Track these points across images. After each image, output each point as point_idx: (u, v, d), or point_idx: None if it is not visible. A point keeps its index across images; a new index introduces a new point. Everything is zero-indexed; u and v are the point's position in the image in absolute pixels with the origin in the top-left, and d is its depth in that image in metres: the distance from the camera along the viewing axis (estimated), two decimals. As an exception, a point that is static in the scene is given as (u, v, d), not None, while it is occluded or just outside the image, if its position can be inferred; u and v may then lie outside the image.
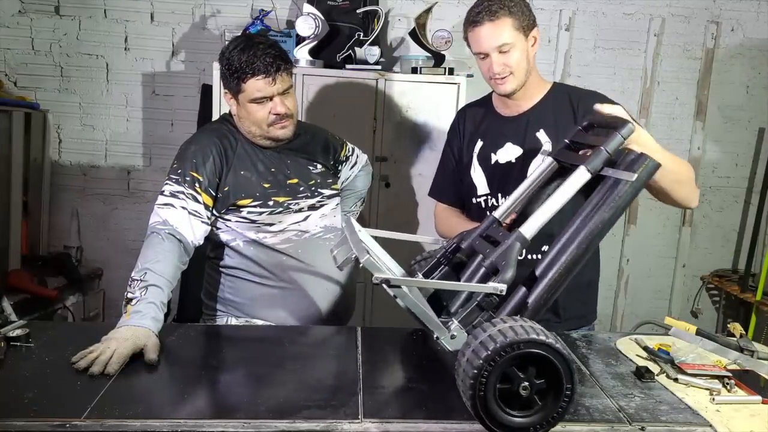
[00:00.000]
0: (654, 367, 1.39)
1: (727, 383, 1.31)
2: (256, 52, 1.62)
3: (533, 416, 1.05)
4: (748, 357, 1.43)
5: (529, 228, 1.23)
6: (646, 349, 1.49)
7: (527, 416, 1.05)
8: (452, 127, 1.91)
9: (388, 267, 1.37)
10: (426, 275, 1.38)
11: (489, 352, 1.00)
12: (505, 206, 1.41)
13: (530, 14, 1.65)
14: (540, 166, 1.41)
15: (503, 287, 1.15)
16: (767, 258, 3.10)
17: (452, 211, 1.90)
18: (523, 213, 1.43)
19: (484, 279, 1.25)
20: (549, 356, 1.02)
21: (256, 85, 1.63)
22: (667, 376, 1.35)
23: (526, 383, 1.04)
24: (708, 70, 3.30)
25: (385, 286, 1.12)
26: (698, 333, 1.52)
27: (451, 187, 1.89)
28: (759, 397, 1.26)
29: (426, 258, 1.46)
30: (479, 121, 1.82)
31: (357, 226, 1.42)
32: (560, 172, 1.40)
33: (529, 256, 1.70)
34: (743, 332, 1.52)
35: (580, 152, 1.37)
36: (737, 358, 1.44)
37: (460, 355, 1.07)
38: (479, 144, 1.78)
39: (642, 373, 1.35)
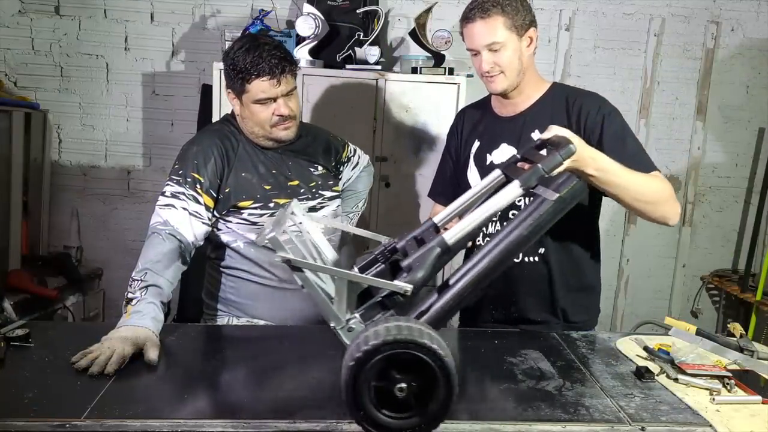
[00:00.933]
0: (654, 367, 1.39)
1: (727, 383, 1.31)
2: (262, 53, 1.62)
3: (409, 419, 1.01)
4: (748, 357, 1.43)
5: (452, 234, 1.20)
6: (646, 349, 1.49)
7: (403, 419, 1.01)
8: (451, 128, 1.91)
9: (323, 255, 1.38)
10: (362, 270, 1.36)
11: (368, 347, 0.97)
12: (445, 212, 1.39)
13: (527, 14, 1.63)
14: (488, 176, 1.39)
15: (408, 287, 1.12)
16: (767, 258, 3.10)
17: None
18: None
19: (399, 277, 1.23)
20: (427, 359, 0.98)
21: (260, 87, 1.63)
22: (667, 376, 1.35)
23: (403, 385, 0.99)
24: (708, 70, 3.30)
25: (290, 267, 1.11)
26: (698, 333, 1.52)
27: (449, 189, 1.88)
28: (759, 397, 1.26)
29: (369, 253, 1.45)
30: (477, 121, 1.82)
31: (301, 212, 1.43)
32: (506, 185, 1.39)
33: (526, 259, 1.70)
34: (743, 332, 1.52)
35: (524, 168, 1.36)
36: (737, 358, 1.44)
37: (351, 343, 1.05)
38: (476, 144, 1.78)
39: (642, 373, 1.35)
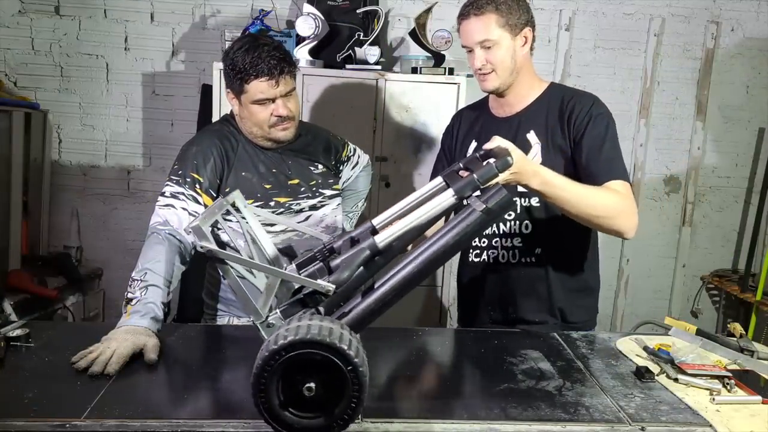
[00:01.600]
0: (654, 367, 1.39)
1: (727, 383, 1.31)
2: (261, 53, 1.62)
3: (315, 419, 1.00)
4: (748, 357, 1.43)
5: (382, 237, 1.20)
6: (646, 349, 1.49)
7: (308, 419, 1.00)
8: (447, 129, 1.91)
9: (262, 248, 1.38)
10: (299, 267, 1.36)
11: (276, 346, 0.96)
12: (384, 215, 1.38)
13: (522, 13, 1.62)
14: (430, 183, 1.38)
15: (331, 287, 1.12)
16: (767, 258, 3.10)
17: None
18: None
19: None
20: (335, 360, 0.97)
21: (259, 87, 1.63)
22: (667, 376, 1.35)
23: (310, 384, 0.99)
24: (708, 70, 3.30)
25: (212, 259, 1.12)
26: (698, 333, 1.52)
27: None
28: (759, 397, 1.26)
29: (309, 251, 1.44)
30: (474, 122, 1.82)
31: (242, 201, 1.42)
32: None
33: (523, 260, 1.70)
34: (743, 332, 1.52)
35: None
36: (737, 358, 1.44)
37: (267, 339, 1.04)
38: (473, 145, 1.78)
39: (642, 373, 1.35)
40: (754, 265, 3.27)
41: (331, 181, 1.86)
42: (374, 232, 1.34)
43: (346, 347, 0.97)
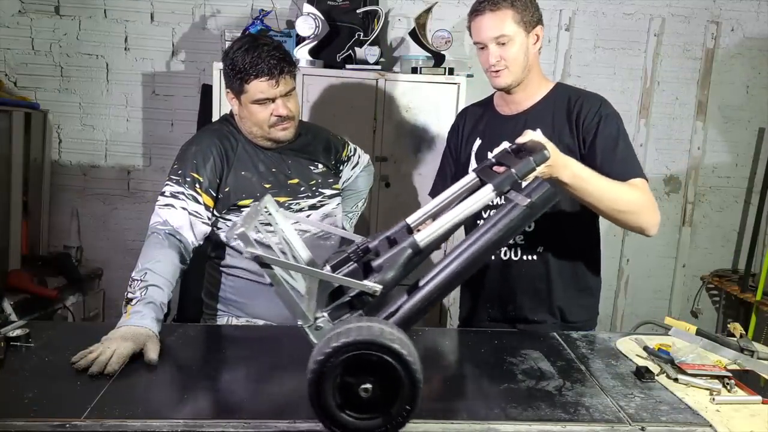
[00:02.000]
0: (654, 367, 1.39)
1: (727, 383, 1.31)
2: (261, 53, 1.62)
3: (371, 420, 1.01)
4: (748, 357, 1.43)
5: (423, 235, 1.20)
6: (646, 349, 1.49)
7: (366, 419, 1.01)
8: (452, 127, 1.91)
9: (296, 252, 1.38)
10: (334, 269, 1.36)
11: (331, 349, 0.97)
12: (418, 213, 1.39)
13: (535, 11, 1.64)
14: (463, 179, 1.40)
15: (378, 288, 1.12)
16: (767, 258, 3.10)
17: None
18: None
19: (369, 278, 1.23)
20: (392, 362, 0.97)
21: (259, 87, 1.63)
22: (667, 376, 1.35)
23: (367, 386, 0.99)
24: (708, 70, 3.30)
25: (258, 264, 1.10)
26: (698, 333, 1.52)
27: (447, 186, 1.88)
28: (759, 397, 1.26)
29: (341, 251, 1.44)
30: (478, 120, 1.82)
31: (274, 205, 1.41)
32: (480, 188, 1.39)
33: (525, 257, 1.70)
34: (743, 332, 1.52)
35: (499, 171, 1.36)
36: (737, 358, 1.44)
37: (318, 343, 1.04)
38: (477, 142, 1.78)
39: (642, 373, 1.35)
40: (754, 265, 3.27)
41: (331, 180, 1.86)
42: (409, 230, 1.35)
43: (399, 347, 0.97)
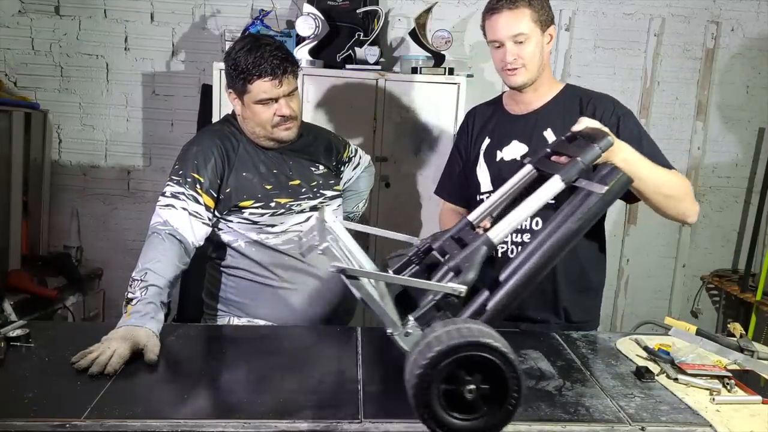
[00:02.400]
0: (654, 367, 1.39)
1: (727, 383, 1.31)
2: (264, 53, 1.62)
3: (476, 420, 1.01)
4: (748, 357, 1.44)
5: (497, 232, 1.21)
6: (646, 349, 1.49)
7: (470, 420, 1.01)
8: (461, 126, 1.92)
9: (357, 260, 1.38)
10: (396, 272, 1.37)
11: (434, 353, 0.97)
12: (480, 210, 1.39)
13: (549, 11, 1.65)
14: (519, 172, 1.40)
15: (463, 289, 1.12)
16: (767, 258, 3.10)
17: (457, 212, 1.90)
18: (499, 218, 1.42)
19: (446, 279, 1.24)
20: (496, 361, 0.98)
21: (262, 87, 1.63)
22: (667, 376, 1.35)
23: (472, 386, 1.00)
24: (708, 70, 3.30)
25: (343, 276, 1.10)
26: (698, 333, 1.52)
27: (457, 187, 1.89)
28: (759, 397, 1.26)
29: (400, 255, 1.45)
30: (487, 119, 1.82)
31: (331, 217, 1.41)
32: (539, 180, 1.40)
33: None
34: (743, 332, 1.52)
35: (560, 161, 1.37)
36: (737, 358, 1.44)
37: (412, 348, 1.06)
38: (486, 142, 1.78)
39: (642, 373, 1.35)
40: (754, 265, 3.27)
41: (332, 181, 1.86)
42: (471, 227, 1.36)
43: (501, 346, 0.98)
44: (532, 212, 1.23)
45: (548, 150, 1.38)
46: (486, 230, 1.37)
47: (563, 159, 1.34)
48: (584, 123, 1.37)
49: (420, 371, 0.97)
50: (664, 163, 1.59)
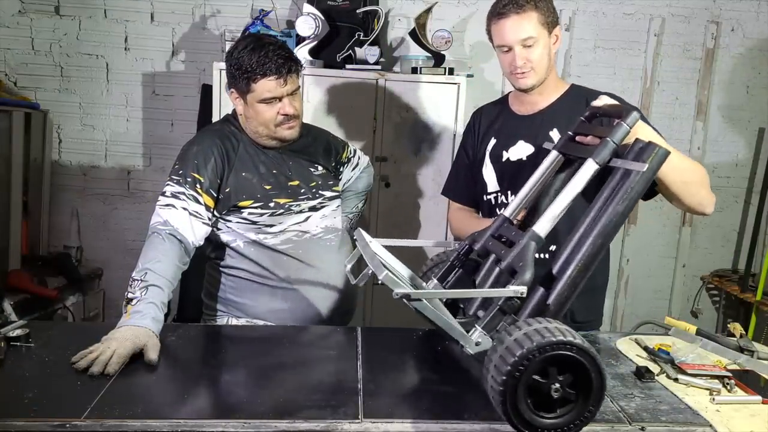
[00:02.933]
0: (654, 367, 1.39)
1: (727, 383, 1.31)
2: (268, 52, 1.62)
3: (562, 417, 1.04)
4: (748, 357, 1.43)
5: (543, 226, 1.22)
6: (646, 349, 1.49)
7: (556, 417, 1.04)
8: (467, 127, 1.92)
9: (401, 276, 1.38)
10: (440, 280, 1.37)
11: (524, 350, 0.99)
12: (514, 203, 1.40)
13: (554, 12, 1.65)
14: (546, 159, 1.40)
15: (524, 289, 1.13)
16: (767, 258, 3.10)
17: (466, 212, 1.90)
18: (533, 208, 1.43)
19: (501, 281, 1.24)
20: (580, 359, 1.01)
21: (266, 86, 1.63)
22: (667, 376, 1.35)
23: (557, 384, 1.02)
24: (708, 70, 3.30)
25: (405, 300, 1.11)
26: (698, 333, 1.52)
27: (464, 188, 1.89)
28: (759, 397, 1.26)
29: (438, 263, 1.45)
30: (493, 119, 1.83)
31: (367, 237, 1.40)
32: (566, 165, 1.40)
33: (537, 256, 1.70)
34: (743, 332, 1.52)
35: (585, 141, 1.37)
36: (737, 358, 1.44)
37: (491, 353, 1.06)
38: (492, 142, 1.78)
39: (642, 373, 1.35)
40: (754, 265, 3.27)
41: (331, 182, 1.86)
42: (510, 223, 1.36)
43: (582, 342, 1.00)
44: (571, 199, 1.23)
45: (570, 133, 1.37)
46: (522, 224, 1.38)
47: (588, 139, 1.33)
48: (604, 99, 1.36)
49: (509, 368, 0.99)
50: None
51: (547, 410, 1.04)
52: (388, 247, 1.42)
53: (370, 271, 1.14)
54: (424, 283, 1.42)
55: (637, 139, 1.28)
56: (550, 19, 1.64)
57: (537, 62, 1.63)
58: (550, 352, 1.00)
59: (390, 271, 1.29)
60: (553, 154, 1.39)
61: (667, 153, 1.22)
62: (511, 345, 1.01)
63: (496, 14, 1.64)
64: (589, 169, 1.23)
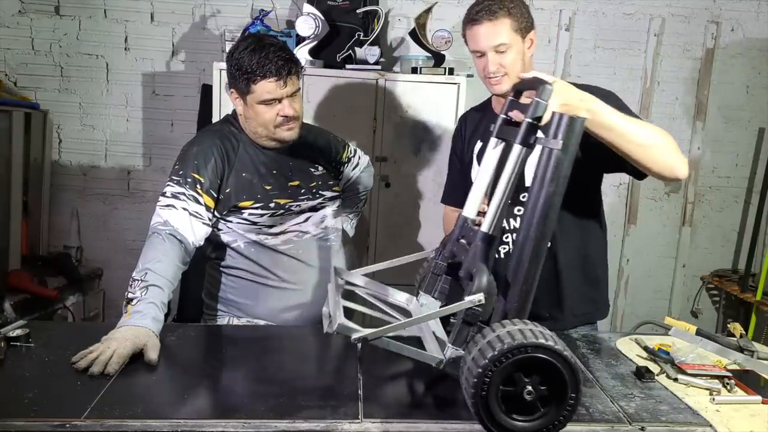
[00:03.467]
0: (654, 367, 1.39)
1: (727, 383, 1.31)
2: (268, 54, 1.61)
3: (535, 421, 1.03)
4: (748, 357, 1.43)
5: (487, 222, 1.19)
6: (646, 349, 1.49)
7: (529, 421, 1.03)
8: (455, 132, 1.94)
9: (389, 294, 1.39)
10: (428, 291, 1.37)
11: (495, 353, 0.99)
12: (471, 201, 1.36)
13: (529, 16, 1.66)
14: (488, 148, 1.36)
15: (480, 296, 1.11)
16: (767, 258, 3.10)
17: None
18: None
19: (465, 288, 1.23)
20: (554, 362, 1.00)
21: (266, 87, 1.63)
22: (667, 376, 1.35)
23: (530, 387, 1.02)
24: (708, 70, 3.30)
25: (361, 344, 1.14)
26: (698, 333, 1.52)
27: (459, 191, 1.87)
28: (759, 397, 1.26)
29: (424, 276, 1.44)
30: (478, 122, 1.84)
31: (344, 272, 1.42)
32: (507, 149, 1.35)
33: (500, 252, 1.71)
34: (743, 332, 1.52)
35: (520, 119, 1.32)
36: (737, 358, 1.44)
37: (465, 354, 1.07)
38: (478, 144, 1.79)
39: (642, 373, 1.35)
40: (754, 265, 3.27)
41: (332, 182, 1.86)
42: (473, 222, 1.34)
43: (567, 352, 1.00)
44: (505, 187, 1.19)
45: (504, 116, 1.35)
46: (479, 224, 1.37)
47: (514, 114, 1.31)
48: (532, 73, 1.33)
49: (480, 370, 0.99)
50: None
51: (530, 413, 1.04)
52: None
53: (328, 321, 1.17)
54: (420, 300, 1.41)
55: (553, 113, 1.19)
56: (524, 24, 1.64)
57: (510, 67, 1.63)
58: (528, 353, 0.99)
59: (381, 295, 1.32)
60: (493, 141, 1.34)
61: (582, 121, 1.14)
62: (492, 340, 1.01)
63: (469, 20, 1.65)
64: (516, 153, 1.18)
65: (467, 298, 1.12)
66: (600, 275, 1.78)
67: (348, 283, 1.42)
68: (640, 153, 1.44)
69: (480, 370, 0.99)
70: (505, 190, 1.20)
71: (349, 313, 1.31)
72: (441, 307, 1.33)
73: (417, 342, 1.25)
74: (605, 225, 1.78)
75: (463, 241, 1.32)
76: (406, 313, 1.40)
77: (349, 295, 1.43)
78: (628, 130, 1.40)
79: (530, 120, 1.19)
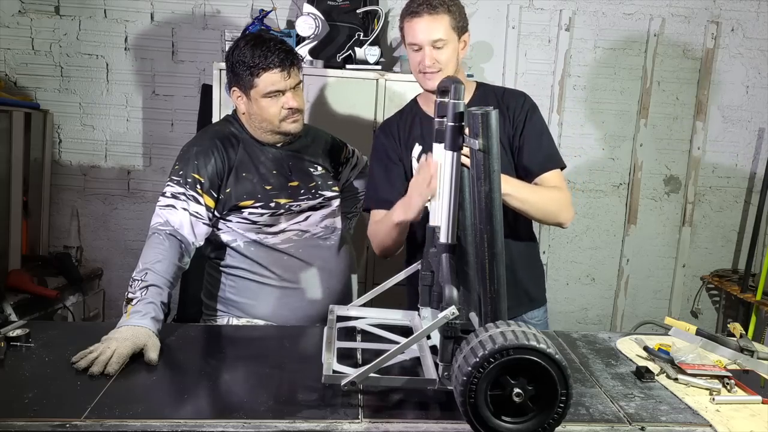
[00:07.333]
0: (654, 367, 1.39)
1: (727, 383, 1.31)
2: (270, 47, 1.64)
3: (526, 423, 1.02)
4: (748, 357, 1.44)
5: (443, 233, 1.19)
6: (646, 349, 1.49)
7: (520, 423, 1.02)
8: (382, 141, 1.82)
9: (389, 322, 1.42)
10: (426, 303, 1.39)
11: (478, 359, 0.98)
12: (436, 211, 1.36)
13: (465, 18, 1.71)
14: (437, 157, 1.36)
15: (454, 310, 1.11)
16: (767, 258, 3.10)
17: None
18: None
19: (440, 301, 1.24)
20: (541, 363, 0.99)
21: (271, 79, 1.64)
22: (667, 376, 1.35)
23: (519, 390, 1.01)
24: (708, 70, 3.30)
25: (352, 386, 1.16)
26: (698, 333, 1.52)
27: (400, 194, 1.69)
28: (759, 397, 1.26)
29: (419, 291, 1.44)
30: (411, 126, 1.82)
31: (338, 310, 1.47)
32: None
33: None
34: (743, 332, 1.52)
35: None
36: (737, 358, 1.44)
37: (454, 360, 1.06)
38: (417, 148, 1.75)
39: (642, 373, 1.35)
40: (754, 265, 3.26)
41: (331, 182, 1.86)
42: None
43: (553, 351, 0.99)
44: (450, 193, 1.19)
45: (437, 119, 1.36)
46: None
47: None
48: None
49: (465, 377, 0.99)
50: (557, 162, 1.70)
51: (513, 414, 1.03)
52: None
53: (331, 369, 1.21)
54: (422, 314, 1.42)
55: (467, 114, 1.19)
56: (461, 24, 1.68)
57: (445, 63, 1.67)
58: (511, 355, 0.99)
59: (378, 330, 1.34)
60: (436, 146, 1.34)
61: (497, 113, 1.11)
62: (475, 346, 1.01)
63: (409, 13, 1.67)
64: (448, 158, 1.18)
65: (440, 315, 1.12)
66: (540, 261, 1.88)
67: (345, 318, 1.48)
68: (543, 218, 1.69)
69: (465, 378, 0.99)
70: (450, 195, 1.20)
71: (348, 352, 1.37)
72: None
73: (417, 361, 1.29)
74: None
75: (434, 250, 1.32)
76: (409, 331, 1.43)
77: (349, 332, 1.49)
78: (539, 204, 1.63)
79: (452, 124, 1.19)
